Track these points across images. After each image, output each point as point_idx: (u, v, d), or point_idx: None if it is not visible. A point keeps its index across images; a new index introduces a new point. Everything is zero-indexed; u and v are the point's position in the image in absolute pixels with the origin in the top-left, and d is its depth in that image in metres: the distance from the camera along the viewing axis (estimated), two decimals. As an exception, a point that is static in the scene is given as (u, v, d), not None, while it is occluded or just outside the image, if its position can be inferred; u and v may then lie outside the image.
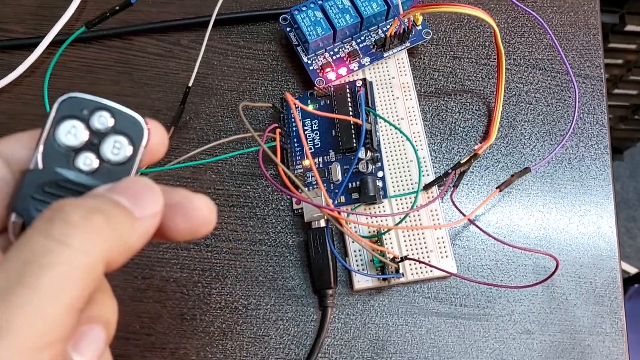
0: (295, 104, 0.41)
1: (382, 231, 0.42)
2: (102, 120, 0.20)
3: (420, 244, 0.43)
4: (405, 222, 0.43)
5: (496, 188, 0.42)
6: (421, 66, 0.50)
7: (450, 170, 0.45)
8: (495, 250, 0.45)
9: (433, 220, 0.44)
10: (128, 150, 0.20)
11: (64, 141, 0.20)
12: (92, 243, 0.18)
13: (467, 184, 0.46)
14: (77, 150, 0.20)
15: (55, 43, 0.48)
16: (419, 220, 0.44)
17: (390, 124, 0.45)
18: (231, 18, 0.50)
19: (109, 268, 0.19)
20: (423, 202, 0.45)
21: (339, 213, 0.38)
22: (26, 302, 0.16)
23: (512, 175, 0.43)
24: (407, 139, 0.44)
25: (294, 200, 0.45)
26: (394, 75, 0.48)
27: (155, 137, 0.21)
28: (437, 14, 0.51)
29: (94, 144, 0.20)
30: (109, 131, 0.20)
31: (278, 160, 0.36)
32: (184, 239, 0.21)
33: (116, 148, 0.20)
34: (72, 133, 0.20)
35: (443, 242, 0.44)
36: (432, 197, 0.45)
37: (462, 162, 0.45)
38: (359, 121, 0.43)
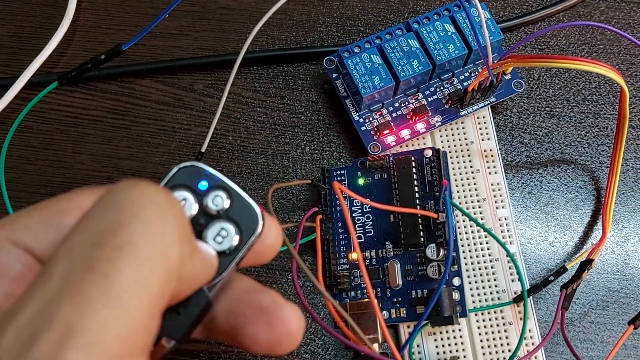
0: (344, 193, 0.30)
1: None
2: (218, 201, 0.18)
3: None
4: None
5: (629, 324, 0.30)
6: (507, 126, 0.38)
7: (551, 278, 0.33)
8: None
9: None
10: (234, 242, 0.18)
11: None
12: (170, 220, 0.15)
13: (574, 304, 0.34)
14: None
15: (32, 85, 0.37)
16: None
17: (481, 227, 0.32)
18: (261, 57, 0.38)
19: (180, 276, 0.15)
20: (512, 317, 0.33)
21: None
22: (102, 294, 0.13)
23: (651, 304, 0.31)
24: (501, 244, 0.32)
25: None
26: (473, 140, 0.36)
27: (269, 238, 0.18)
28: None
29: (199, 224, 0.18)
30: (220, 215, 0.18)
31: (322, 286, 0.24)
32: (261, 352, 0.18)
33: (221, 236, 0.18)
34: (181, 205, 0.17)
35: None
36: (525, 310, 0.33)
37: (567, 266, 0.33)
38: (433, 215, 0.31)
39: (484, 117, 0.37)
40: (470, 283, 0.34)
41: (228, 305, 0.18)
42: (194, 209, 0.18)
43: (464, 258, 0.34)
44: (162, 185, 0.18)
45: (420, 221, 0.33)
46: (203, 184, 0.18)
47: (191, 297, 0.17)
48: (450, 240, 0.28)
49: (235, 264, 0.18)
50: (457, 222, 0.34)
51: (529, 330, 0.33)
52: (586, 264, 0.32)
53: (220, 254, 0.18)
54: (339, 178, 0.35)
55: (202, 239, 0.18)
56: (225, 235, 0.18)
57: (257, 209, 0.18)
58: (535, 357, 0.32)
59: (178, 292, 0.16)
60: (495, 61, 0.33)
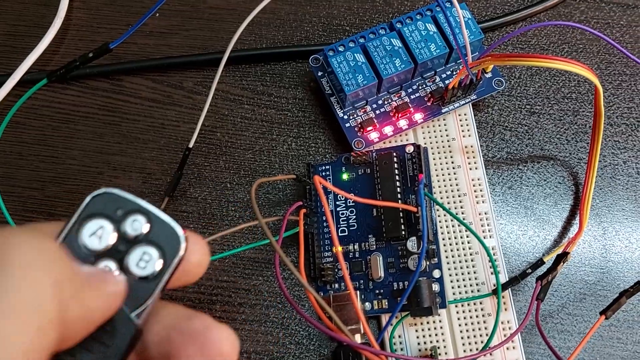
0: (325, 186, 0.31)
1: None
2: (136, 225, 0.18)
3: (488, 373, 0.33)
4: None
5: (600, 314, 0.31)
6: (489, 123, 0.38)
7: (529, 271, 0.34)
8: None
9: (507, 346, 0.33)
10: (157, 265, 0.17)
11: (86, 243, 0.17)
12: (41, 267, 0.14)
13: (549, 296, 0.35)
14: (98, 256, 0.18)
15: (24, 83, 0.38)
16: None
17: (459, 220, 0.34)
18: (248, 55, 0.39)
19: (65, 319, 0.15)
20: (491, 308, 0.34)
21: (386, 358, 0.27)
22: None
23: (622, 295, 0.31)
24: (477, 237, 0.33)
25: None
26: (455, 137, 0.37)
27: (194, 256, 0.18)
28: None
29: (119, 251, 0.17)
30: (140, 239, 0.18)
31: (303, 278, 0.25)
32: None
33: (144, 261, 0.17)
34: (97, 235, 0.17)
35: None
36: (503, 302, 0.34)
37: (544, 259, 0.34)
38: (413, 209, 0.32)
39: (465, 115, 0.38)
40: (450, 275, 0.34)
41: (159, 333, 0.18)
42: (111, 237, 0.18)
43: (445, 251, 0.35)
44: (77, 215, 0.17)
45: (401, 215, 0.34)
46: (120, 210, 0.18)
47: (118, 326, 0.17)
48: (425, 230, 0.29)
49: (162, 287, 0.18)
50: (438, 216, 0.35)
51: (507, 322, 0.34)
52: (562, 257, 0.33)
53: (145, 279, 0.17)
54: (323, 173, 0.36)
55: (123, 266, 0.17)
56: (148, 259, 0.18)
57: (179, 229, 0.18)
58: (514, 347, 0.33)
59: (71, 335, 0.15)
60: (475, 60, 0.34)
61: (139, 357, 0.18)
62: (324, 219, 0.35)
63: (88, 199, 0.18)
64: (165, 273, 0.17)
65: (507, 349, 0.33)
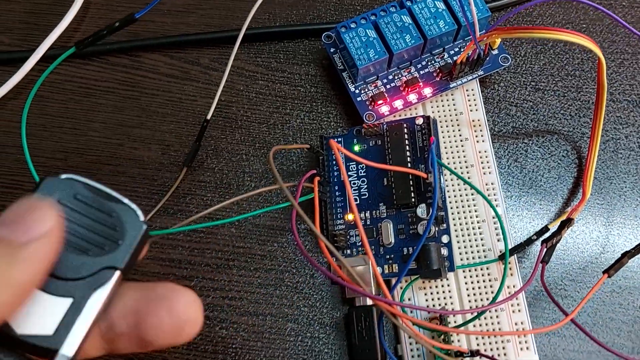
0: (340, 151, 0.32)
1: (450, 335, 0.33)
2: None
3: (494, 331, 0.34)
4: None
5: (603, 273, 0.32)
6: (495, 99, 0.40)
7: (534, 237, 0.35)
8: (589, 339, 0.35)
9: (513, 309, 0.34)
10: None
11: None
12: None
13: (553, 263, 0.36)
14: None
15: (47, 58, 0.39)
16: (495, 313, 0.34)
17: (467, 182, 0.35)
18: (263, 33, 0.41)
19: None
20: (497, 273, 0.35)
21: (401, 310, 0.29)
22: None
23: (624, 255, 0.33)
24: (485, 198, 0.35)
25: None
26: (462, 111, 0.38)
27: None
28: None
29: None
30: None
31: (317, 230, 0.27)
32: (166, 341, 0.19)
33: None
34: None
35: (522, 325, 0.34)
36: (509, 267, 0.35)
37: (549, 226, 0.36)
38: (423, 174, 0.34)
39: (472, 90, 0.39)
40: (458, 242, 0.36)
41: (125, 307, 0.19)
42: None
43: (453, 219, 0.36)
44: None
45: (411, 183, 0.35)
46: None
47: (128, 228, 0.19)
48: (436, 186, 0.30)
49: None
50: (447, 185, 0.37)
51: (513, 286, 0.35)
52: (566, 222, 0.34)
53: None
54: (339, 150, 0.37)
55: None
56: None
57: (138, 209, 0.19)
58: (519, 310, 0.34)
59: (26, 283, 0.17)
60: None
61: (105, 339, 0.19)
62: (336, 188, 0.37)
63: (41, 186, 0.18)
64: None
65: (513, 311, 0.34)
